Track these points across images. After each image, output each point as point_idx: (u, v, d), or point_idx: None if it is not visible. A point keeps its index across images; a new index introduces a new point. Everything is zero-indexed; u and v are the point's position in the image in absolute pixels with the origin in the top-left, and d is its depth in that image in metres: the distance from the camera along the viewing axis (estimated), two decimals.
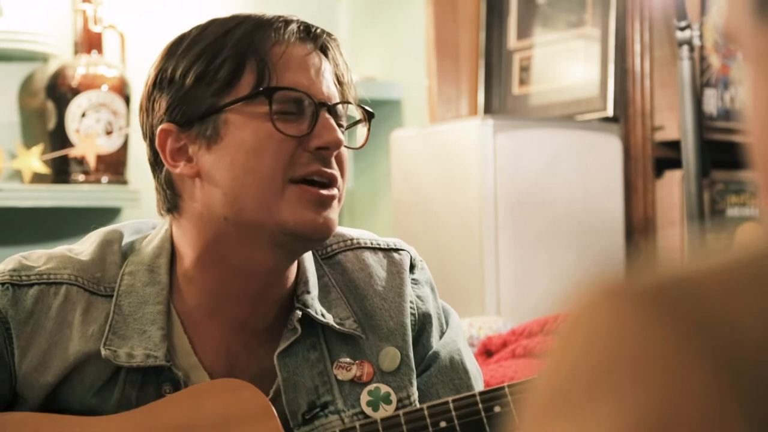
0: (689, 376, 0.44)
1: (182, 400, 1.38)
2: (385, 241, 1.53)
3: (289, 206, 1.35)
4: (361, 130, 1.46)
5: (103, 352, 1.38)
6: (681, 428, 0.43)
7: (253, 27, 1.38)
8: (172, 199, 1.41)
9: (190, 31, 1.41)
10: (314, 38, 1.40)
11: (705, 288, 0.46)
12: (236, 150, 1.35)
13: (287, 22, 1.39)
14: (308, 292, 1.44)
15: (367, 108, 1.46)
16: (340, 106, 1.41)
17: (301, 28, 1.40)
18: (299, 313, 1.42)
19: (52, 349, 1.40)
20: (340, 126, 1.40)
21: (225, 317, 1.42)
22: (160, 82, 1.39)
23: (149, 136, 1.42)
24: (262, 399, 1.37)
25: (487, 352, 2.63)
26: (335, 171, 1.38)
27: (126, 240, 1.47)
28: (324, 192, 1.36)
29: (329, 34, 1.42)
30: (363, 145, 1.45)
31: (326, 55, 1.41)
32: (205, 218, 1.38)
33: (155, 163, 1.42)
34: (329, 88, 1.40)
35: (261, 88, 1.35)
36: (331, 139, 1.36)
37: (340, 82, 1.42)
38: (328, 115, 1.38)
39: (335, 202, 1.38)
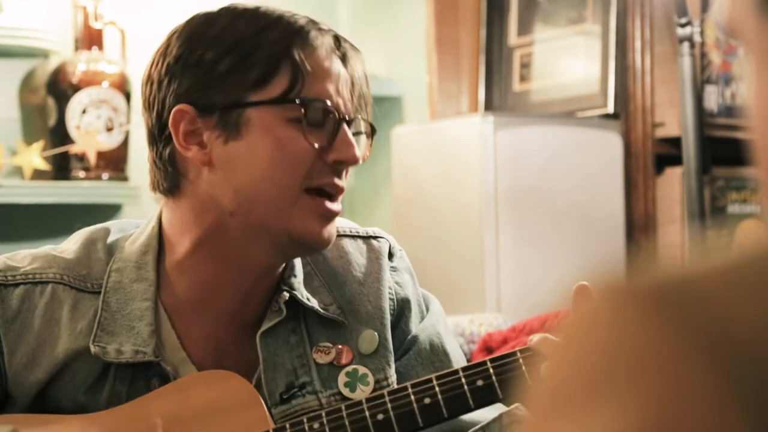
0: (690, 376, 0.44)
1: (169, 392, 1.38)
2: (364, 229, 1.55)
3: (299, 215, 1.37)
4: (364, 142, 1.48)
5: (92, 348, 1.38)
6: (682, 429, 0.43)
7: (290, 31, 1.38)
8: (173, 178, 1.40)
9: (217, 17, 1.39)
10: (343, 53, 1.43)
11: (705, 288, 0.46)
12: (258, 152, 1.35)
13: (321, 31, 1.40)
14: (294, 276, 1.46)
15: (372, 125, 1.48)
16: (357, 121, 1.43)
17: (335, 42, 1.41)
18: (286, 295, 1.44)
19: (40, 347, 1.40)
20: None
21: (214, 310, 1.43)
22: (184, 60, 1.37)
23: (156, 109, 1.39)
24: (249, 388, 1.38)
25: (487, 348, 2.63)
26: (344, 184, 1.41)
27: (110, 238, 1.48)
28: (332, 207, 1.39)
29: (355, 48, 1.46)
30: (365, 159, 1.46)
31: (346, 67, 1.43)
32: (208, 205, 1.39)
33: (157, 137, 1.41)
34: (349, 102, 1.42)
35: (296, 96, 1.36)
36: (350, 156, 1.39)
37: (359, 95, 1.44)
38: (348, 130, 1.40)
39: (337, 217, 1.42)
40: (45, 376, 1.39)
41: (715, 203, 3.15)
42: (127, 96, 3.09)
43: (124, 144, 3.10)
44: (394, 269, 1.53)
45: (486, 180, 2.99)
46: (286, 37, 1.37)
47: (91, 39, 3.07)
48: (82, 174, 3.03)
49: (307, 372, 1.44)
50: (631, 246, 3.15)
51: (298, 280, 1.46)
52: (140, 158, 3.22)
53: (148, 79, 1.41)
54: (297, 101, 1.35)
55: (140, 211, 3.12)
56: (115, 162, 3.08)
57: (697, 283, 0.46)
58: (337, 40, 1.42)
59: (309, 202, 1.37)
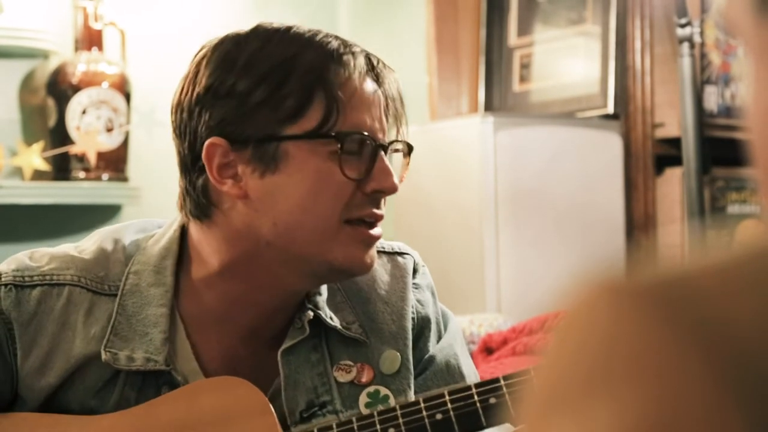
0: (687, 374, 0.44)
1: (178, 397, 1.37)
2: (389, 244, 1.52)
3: (341, 246, 1.35)
4: (399, 160, 1.46)
5: (103, 355, 1.37)
6: (679, 427, 0.43)
7: (322, 57, 1.34)
8: (205, 208, 1.38)
9: (248, 40, 1.36)
10: (377, 74, 1.39)
11: (703, 286, 0.46)
12: (297, 185, 1.33)
13: (354, 53, 1.37)
14: (319, 294, 1.44)
15: (408, 142, 1.44)
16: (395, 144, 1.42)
17: (368, 63, 1.38)
18: (311, 314, 1.42)
19: (54, 350, 1.39)
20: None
21: (235, 325, 1.41)
22: (215, 90, 1.34)
23: (188, 139, 1.36)
24: (260, 396, 1.37)
25: (487, 349, 2.63)
26: (383, 212, 1.39)
27: (130, 239, 1.46)
28: (374, 233, 1.37)
29: (388, 67, 1.42)
30: (402, 180, 1.43)
31: (381, 87, 1.40)
32: (242, 235, 1.36)
33: (190, 166, 1.38)
34: (385, 124, 1.40)
35: (331, 128, 1.33)
36: (389, 185, 1.37)
37: (395, 115, 1.42)
38: (385, 158, 1.38)
39: (377, 242, 1.40)
40: (56, 380, 1.39)
41: (715, 203, 3.15)
42: (127, 96, 3.09)
43: (124, 144, 3.10)
44: (416, 286, 1.51)
45: (486, 180, 2.99)
46: (320, 63, 1.33)
47: (91, 40, 3.07)
48: (82, 174, 3.03)
49: (328, 391, 1.42)
50: (631, 246, 3.15)
51: (323, 299, 1.44)
52: (140, 159, 3.22)
53: (178, 105, 1.39)
54: (333, 134, 1.33)
55: (140, 212, 3.12)
56: (115, 162, 3.08)
57: (694, 281, 0.46)
58: (370, 60, 1.39)
59: (350, 232, 1.35)
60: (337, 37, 1.38)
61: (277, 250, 1.35)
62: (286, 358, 1.41)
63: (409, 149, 1.44)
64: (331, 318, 1.44)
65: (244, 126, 1.33)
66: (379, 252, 1.49)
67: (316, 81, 1.33)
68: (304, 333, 1.41)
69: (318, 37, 1.36)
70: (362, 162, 1.35)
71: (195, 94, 1.35)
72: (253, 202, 1.34)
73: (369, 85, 1.37)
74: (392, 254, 1.52)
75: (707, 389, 0.44)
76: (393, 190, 1.37)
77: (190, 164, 1.37)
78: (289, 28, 1.37)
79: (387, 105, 1.40)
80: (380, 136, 1.38)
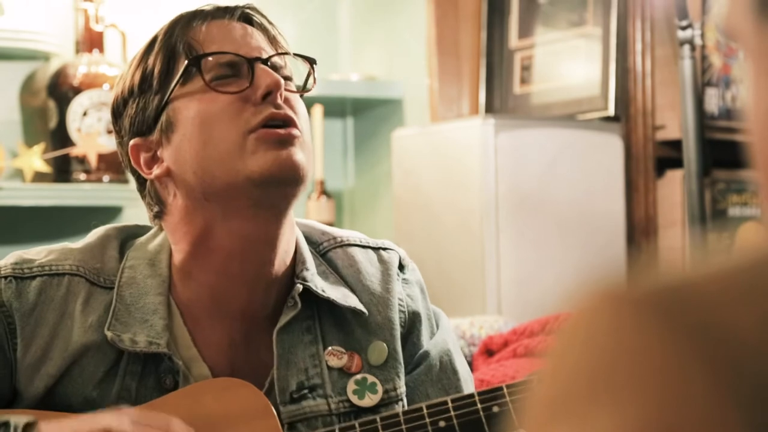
0: (688, 381, 0.44)
1: (180, 397, 1.38)
2: (374, 241, 1.55)
3: (250, 156, 1.36)
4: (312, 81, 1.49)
5: (108, 335, 1.39)
6: None
7: (173, 23, 1.44)
8: (158, 207, 1.44)
9: (128, 62, 1.49)
10: (231, 13, 1.44)
11: (704, 293, 0.46)
12: (189, 128, 1.38)
13: (201, 9, 1.44)
14: (307, 269, 1.46)
15: (307, 56, 1.47)
16: (277, 60, 1.43)
17: (216, 8, 1.44)
18: (300, 287, 1.43)
19: (53, 340, 1.40)
20: (285, 78, 1.41)
21: (225, 309, 1.43)
22: (116, 108, 1.46)
23: (128, 163, 1.46)
24: (262, 398, 1.38)
25: (488, 351, 2.63)
26: (288, 111, 1.39)
27: (123, 237, 1.49)
28: (282, 131, 1.38)
29: (248, 5, 1.46)
30: (312, 87, 1.47)
31: (252, 24, 1.45)
32: (188, 209, 1.41)
33: (139, 184, 1.47)
34: (260, 48, 1.42)
35: (189, 61, 1.39)
36: (270, 81, 1.38)
37: (272, 42, 1.45)
38: (264, 66, 1.40)
39: (297, 141, 1.39)
40: (56, 370, 1.39)
41: (716, 206, 3.14)
42: None
43: None
44: (405, 281, 1.53)
45: (486, 182, 2.99)
46: (173, 27, 1.43)
47: (92, 41, 3.07)
48: (82, 176, 3.04)
49: (319, 374, 1.44)
50: (631, 249, 3.15)
51: (311, 273, 1.46)
52: None
53: (116, 143, 1.49)
54: (195, 68, 1.39)
55: (141, 214, 3.11)
56: (115, 164, 3.08)
57: (695, 288, 0.46)
58: (224, 7, 1.44)
59: (254, 138, 1.37)
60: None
61: (213, 198, 1.38)
62: (280, 336, 1.43)
63: (311, 61, 1.47)
64: (323, 291, 1.45)
65: (142, 114, 1.42)
66: (364, 246, 1.53)
67: (173, 40, 1.41)
68: (297, 308, 1.42)
69: (186, 11, 1.45)
70: (241, 79, 1.39)
71: (112, 123, 1.49)
72: (174, 171, 1.40)
73: (222, 22, 1.43)
74: (377, 249, 1.54)
75: (708, 395, 0.43)
76: (276, 84, 1.38)
77: (137, 181, 1.47)
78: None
79: (254, 32, 1.44)
80: (252, 52, 1.41)
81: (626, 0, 3.16)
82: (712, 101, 3.16)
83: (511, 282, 3.00)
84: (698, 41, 2.76)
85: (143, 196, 1.47)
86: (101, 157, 3.01)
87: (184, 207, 1.41)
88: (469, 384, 1.52)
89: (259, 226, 1.40)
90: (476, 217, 3.01)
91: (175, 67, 1.40)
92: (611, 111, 3.17)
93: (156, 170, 1.42)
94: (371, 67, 3.55)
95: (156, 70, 1.41)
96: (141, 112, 1.42)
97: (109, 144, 3.04)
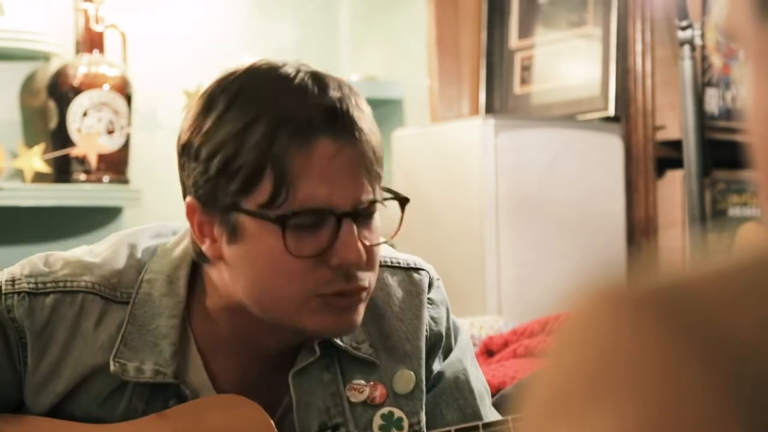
0: (687, 381, 0.44)
1: (184, 412, 1.36)
2: (404, 259, 1.49)
3: (310, 316, 1.30)
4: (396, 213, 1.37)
5: (112, 366, 1.35)
6: None
7: (275, 123, 1.26)
8: (202, 257, 1.37)
9: (223, 90, 1.30)
10: (341, 126, 1.27)
11: (703, 293, 0.46)
12: (254, 261, 1.30)
13: (309, 107, 1.26)
14: None
15: (401, 195, 1.36)
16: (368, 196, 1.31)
17: (327, 116, 1.27)
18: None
19: (63, 359, 1.38)
20: (367, 225, 1.31)
21: (248, 350, 1.40)
22: (187, 151, 1.31)
23: (181, 187, 1.36)
24: (265, 418, 1.35)
25: (488, 351, 2.63)
26: (363, 281, 1.31)
27: (145, 245, 1.43)
28: (348, 301, 1.31)
29: (359, 111, 1.29)
30: (394, 236, 1.36)
31: (355, 138, 1.28)
32: (231, 293, 1.35)
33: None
34: (355, 189, 1.28)
35: (282, 206, 1.26)
36: (352, 257, 1.28)
37: (368, 170, 1.29)
38: (351, 226, 1.28)
39: (362, 303, 1.33)
40: (63, 389, 1.37)
41: (716, 206, 3.15)
42: (128, 99, 3.09)
43: (125, 147, 3.10)
44: (431, 302, 1.48)
45: (487, 182, 2.99)
46: (271, 132, 1.25)
47: (92, 42, 3.07)
48: (83, 177, 3.04)
49: (341, 412, 1.40)
50: (631, 249, 3.15)
51: None
52: (141, 161, 3.22)
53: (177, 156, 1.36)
54: (273, 217, 1.26)
55: (141, 214, 3.13)
56: (116, 165, 3.08)
57: (694, 288, 0.46)
58: (333, 113, 1.27)
59: (319, 303, 1.29)
60: (314, 77, 1.29)
61: (257, 313, 1.34)
62: (297, 380, 1.39)
63: (402, 203, 1.36)
64: (341, 339, 1.41)
65: (209, 191, 1.29)
66: (394, 267, 1.47)
67: (266, 153, 1.25)
68: (315, 355, 1.39)
69: (281, 100, 1.27)
70: (320, 236, 1.27)
71: (179, 146, 1.33)
72: (228, 265, 1.32)
73: (328, 147, 1.26)
74: (408, 269, 1.48)
75: (707, 395, 0.43)
76: (357, 263, 1.28)
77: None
78: (268, 74, 1.30)
79: (356, 162, 1.28)
80: (345, 201, 1.28)
81: (626, 0, 3.16)
82: (712, 101, 3.16)
83: (511, 282, 3.00)
84: (698, 41, 2.77)
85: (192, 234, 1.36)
86: (101, 158, 3.01)
87: (226, 288, 1.34)
88: (485, 401, 1.49)
89: (294, 336, 1.38)
90: (476, 217, 3.01)
91: (260, 183, 1.26)
92: (611, 111, 3.17)
93: (207, 246, 1.32)
94: (371, 67, 3.55)
95: (240, 172, 1.26)
96: (211, 189, 1.29)
97: (109, 144, 3.04)
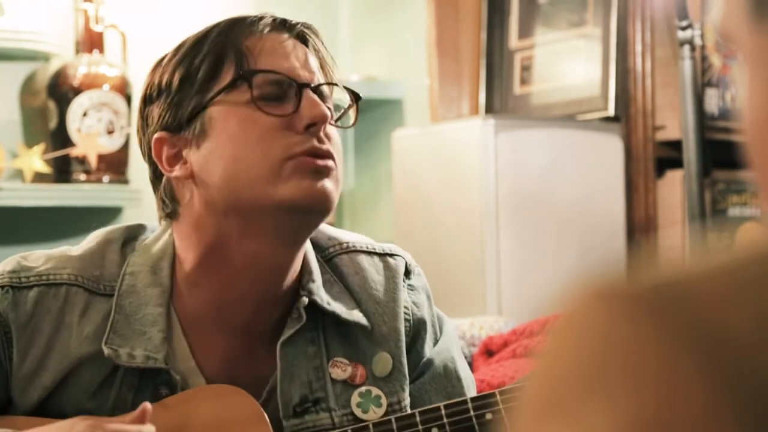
0: (682, 378, 0.44)
1: (174, 404, 1.37)
2: (381, 246, 1.52)
3: (286, 181, 1.34)
4: (352, 115, 1.47)
5: (105, 350, 1.37)
6: (675, 430, 0.43)
7: (228, 25, 1.41)
8: (171, 206, 1.41)
9: (173, 48, 1.44)
10: (290, 28, 1.42)
11: (699, 290, 0.46)
12: (223, 141, 1.36)
13: (261, 17, 1.41)
14: (313, 281, 1.43)
15: (353, 90, 1.46)
16: (325, 89, 1.41)
17: (276, 20, 1.42)
18: (305, 299, 1.41)
19: (49, 352, 1.38)
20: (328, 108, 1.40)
21: (229, 322, 1.41)
22: (149, 95, 1.42)
23: (147, 152, 1.43)
24: (254, 405, 1.37)
25: (488, 351, 2.63)
26: (330, 147, 1.38)
27: (126, 239, 1.46)
28: (320, 162, 1.36)
29: (306, 24, 1.44)
30: (353, 124, 1.46)
31: (306, 44, 1.42)
32: (204, 218, 1.38)
33: (155, 176, 1.44)
34: (312, 72, 1.40)
35: (240, 73, 1.37)
36: (317, 113, 1.36)
37: (322, 66, 1.43)
38: (312, 94, 1.38)
39: (333, 173, 1.38)
40: (51, 382, 1.38)
41: (716, 206, 3.14)
42: (128, 99, 3.09)
43: (125, 147, 3.10)
44: (411, 288, 1.50)
45: (487, 183, 2.99)
46: (227, 30, 1.40)
47: (92, 42, 3.07)
48: (82, 177, 3.04)
49: (322, 387, 1.42)
50: (631, 249, 3.15)
51: (317, 285, 1.44)
52: (141, 161, 3.21)
53: (136, 129, 1.48)
54: (241, 78, 1.36)
55: (141, 214, 3.12)
56: (116, 165, 3.08)
57: (690, 285, 0.46)
58: (283, 20, 1.42)
59: (291, 165, 1.35)
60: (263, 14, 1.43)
61: (234, 215, 1.36)
62: (284, 349, 1.40)
63: (356, 97, 1.46)
64: (328, 303, 1.43)
65: (174, 111, 1.39)
66: (369, 252, 1.50)
67: (225, 44, 1.38)
68: (302, 321, 1.41)
69: (231, 17, 1.42)
70: (287, 102, 1.37)
71: (139, 109, 1.45)
72: (198, 177, 1.37)
73: (279, 37, 1.40)
74: (383, 255, 1.51)
75: (702, 393, 0.44)
76: (323, 117, 1.37)
77: (154, 175, 1.43)
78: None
79: (307, 52, 1.41)
80: (302, 77, 1.38)
81: (626, 0, 3.16)
82: (712, 102, 3.16)
83: (511, 282, 3.00)
84: (698, 42, 2.77)
85: (156, 190, 1.44)
86: (101, 158, 3.01)
87: (200, 215, 1.39)
88: (472, 390, 1.51)
89: (276, 249, 1.38)
90: (476, 218, 3.01)
91: (221, 73, 1.38)
92: (611, 111, 3.17)
93: (177, 170, 1.39)
94: (371, 67, 3.55)
95: (201, 70, 1.38)
96: (175, 107, 1.39)
97: (109, 144, 3.04)
